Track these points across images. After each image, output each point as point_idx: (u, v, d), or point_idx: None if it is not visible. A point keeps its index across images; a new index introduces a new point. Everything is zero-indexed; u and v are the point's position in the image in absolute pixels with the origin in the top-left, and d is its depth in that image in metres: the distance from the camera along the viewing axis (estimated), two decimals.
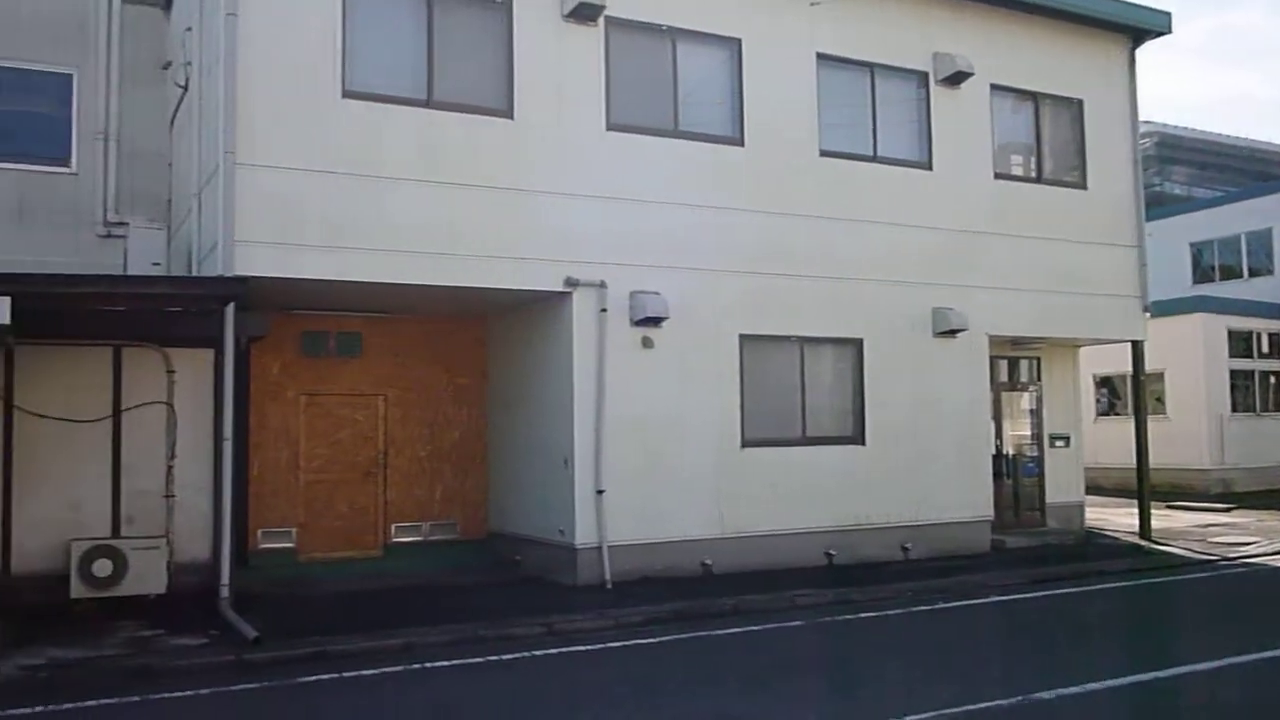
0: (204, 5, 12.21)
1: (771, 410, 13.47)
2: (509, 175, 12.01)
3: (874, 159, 14.39)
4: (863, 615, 10.99)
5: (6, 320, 9.04)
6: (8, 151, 13.86)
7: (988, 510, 14.99)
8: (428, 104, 11.72)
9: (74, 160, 14.24)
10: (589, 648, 9.52)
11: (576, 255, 12.28)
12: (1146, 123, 36.81)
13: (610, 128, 12.63)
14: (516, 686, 8.34)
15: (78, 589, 10.87)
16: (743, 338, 13.27)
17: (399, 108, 11.57)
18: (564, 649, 9.44)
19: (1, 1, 13.97)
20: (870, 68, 14.46)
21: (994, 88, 15.41)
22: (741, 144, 13.43)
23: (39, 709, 7.57)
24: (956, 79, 14.83)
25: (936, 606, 11.48)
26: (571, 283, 12.26)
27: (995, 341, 15.35)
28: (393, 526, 13.97)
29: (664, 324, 12.63)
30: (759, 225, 13.38)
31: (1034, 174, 15.96)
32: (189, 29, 12.91)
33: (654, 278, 12.64)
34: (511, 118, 12.11)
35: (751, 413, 13.27)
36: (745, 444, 13.18)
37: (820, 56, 14.04)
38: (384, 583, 12.46)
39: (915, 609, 11.32)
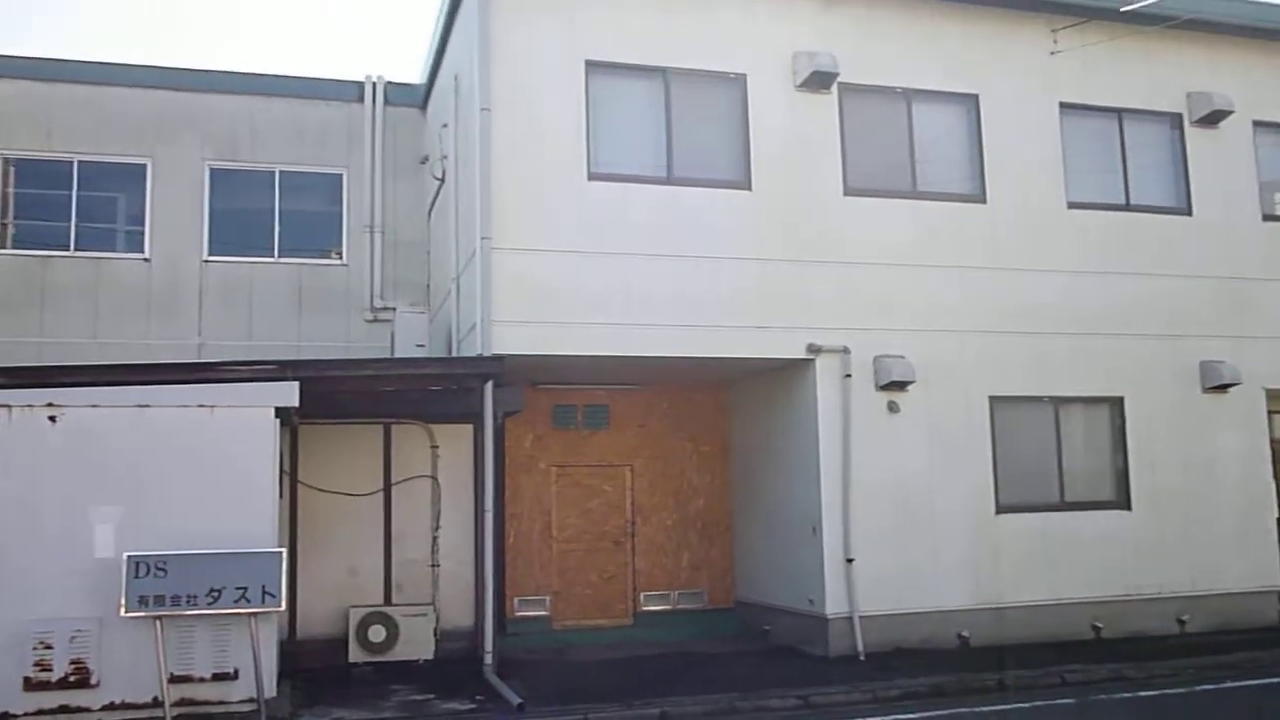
0: (459, 102, 13.07)
1: (1027, 474, 12.92)
2: (748, 245, 12.16)
3: (1126, 208, 13.75)
4: (1141, 694, 10.28)
5: (295, 403, 9.86)
6: (289, 247, 15.29)
7: (1275, 578, 13.78)
8: (668, 180, 12.06)
9: (345, 252, 15.50)
10: None
11: (818, 321, 12.27)
12: None
13: (848, 193, 12.61)
14: None
15: (355, 653, 11.59)
16: (993, 399, 12.84)
17: (641, 186, 11.97)
18: None
19: (289, 115, 15.48)
20: (1118, 113, 13.89)
21: (1257, 124, 14.46)
22: (984, 201, 13.12)
23: None
24: (1214, 118, 14.03)
25: (1223, 685, 10.61)
26: (814, 349, 12.24)
27: (1274, 395, 14.21)
28: (642, 595, 14.16)
29: (910, 387, 12.41)
30: (1006, 283, 13.00)
31: None
32: (445, 125, 13.83)
33: (898, 341, 12.46)
34: (749, 189, 12.29)
35: (1005, 477, 12.78)
36: (1000, 509, 12.69)
37: (1063, 106, 13.60)
38: (635, 651, 12.64)
39: (1199, 687, 10.50)
